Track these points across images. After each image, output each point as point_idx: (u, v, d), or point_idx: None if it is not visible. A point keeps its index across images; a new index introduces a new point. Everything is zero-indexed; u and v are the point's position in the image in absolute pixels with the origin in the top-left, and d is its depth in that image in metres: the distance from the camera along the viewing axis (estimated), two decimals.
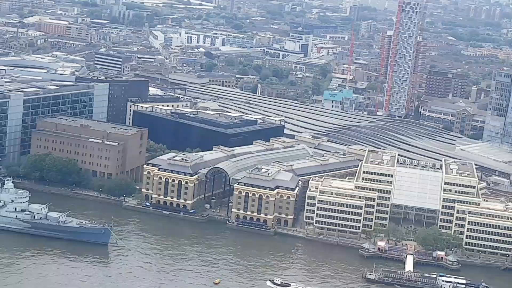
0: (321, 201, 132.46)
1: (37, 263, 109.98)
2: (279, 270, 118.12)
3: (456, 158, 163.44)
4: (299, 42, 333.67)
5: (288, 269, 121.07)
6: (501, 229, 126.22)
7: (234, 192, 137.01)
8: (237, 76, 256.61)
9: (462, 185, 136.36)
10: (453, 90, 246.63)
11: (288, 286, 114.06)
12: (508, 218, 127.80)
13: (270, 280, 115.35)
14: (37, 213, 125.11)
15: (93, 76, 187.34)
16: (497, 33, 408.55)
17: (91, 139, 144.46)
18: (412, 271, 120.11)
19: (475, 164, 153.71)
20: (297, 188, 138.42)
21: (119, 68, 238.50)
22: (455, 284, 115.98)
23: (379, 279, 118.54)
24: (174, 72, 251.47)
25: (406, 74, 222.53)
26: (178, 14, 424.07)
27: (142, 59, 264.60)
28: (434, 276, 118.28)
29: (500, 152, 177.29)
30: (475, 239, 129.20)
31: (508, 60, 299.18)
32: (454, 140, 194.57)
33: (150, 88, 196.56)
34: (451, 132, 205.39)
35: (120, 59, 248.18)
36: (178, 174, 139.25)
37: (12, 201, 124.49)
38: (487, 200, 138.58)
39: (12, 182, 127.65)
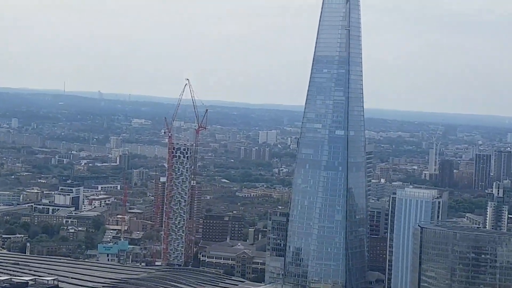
0: None
1: None
2: None
3: None
4: (69, 195, 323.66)
5: None
6: None
7: None
8: (3, 236, 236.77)
9: None
10: (230, 233, 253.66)
11: None
12: None
13: None
14: None
15: None
16: (269, 172, 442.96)
17: None
18: None
19: None
20: None
21: None
22: None
23: None
24: None
25: (182, 220, 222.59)
26: None
27: None
28: None
29: None
30: None
31: (282, 199, 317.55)
32: (237, 285, 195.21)
33: None
34: (232, 277, 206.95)
35: None
36: None
37: None
38: None
39: None
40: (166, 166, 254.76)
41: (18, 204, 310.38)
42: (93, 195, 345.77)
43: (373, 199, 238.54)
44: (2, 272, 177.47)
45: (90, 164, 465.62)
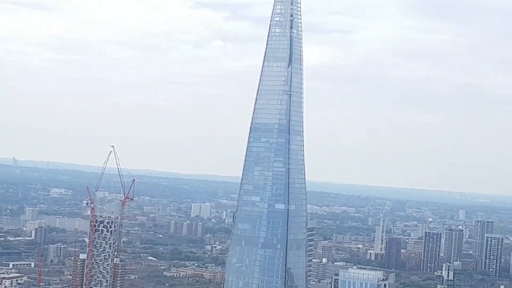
0: None
1: None
2: None
3: None
4: None
5: None
6: None
7: None
8: None
9: None
10: None
11: None
12: None
13: None
14: None
15: None
16: (201, 250, 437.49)
17: None
18: None
19: None
20: None
21: None
22: None
23: None
24: None
25: None
26: None
27: None
28: None
29: None
30: None
31: (215, 280, 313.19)
32: None
33: None
34: None
35: None
36: None
37: None
38: None
39: None
40: (87, 241, 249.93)
41: None
42: (4, 273, 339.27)
43: (313, 281, 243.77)
44: None
45: (1, 238, 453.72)
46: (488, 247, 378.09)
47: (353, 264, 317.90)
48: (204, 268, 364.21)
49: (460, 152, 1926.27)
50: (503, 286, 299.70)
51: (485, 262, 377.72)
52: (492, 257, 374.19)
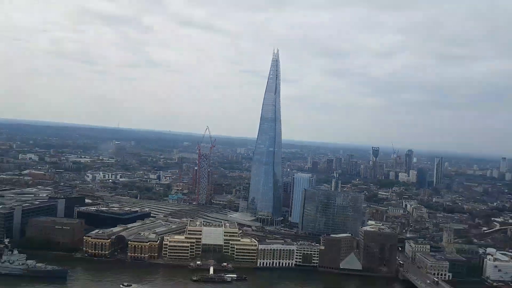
0: (169, 245, 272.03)
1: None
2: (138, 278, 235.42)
3: (228, 220, 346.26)
4: (156, 174, 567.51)
5: (150, 277, 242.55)
6: (248, 250, 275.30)
7: (128, 245, 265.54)
8: (128, 191, 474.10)
9: (231, 233, 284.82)
10: (226, 190, 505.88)
11: (130, 286, 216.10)
12: (252, 245, 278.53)
13: (122, 284, 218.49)
14: (30, 264, 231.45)
15: (57, 196, 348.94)
16: (242, 166, 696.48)
17: (57, 227, 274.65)
18: (213, 273, 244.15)
19: (237, 222, 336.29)
20: (158, 240, 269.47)
21: (70, 192, 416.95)
22: (232, 277, 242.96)
23: (198, 279, 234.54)
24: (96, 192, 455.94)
25: (205, 186, 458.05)
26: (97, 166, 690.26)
27: (80, 186, 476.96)
28: (223, 275, 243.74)
29: (246, 216, 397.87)
30: (239, 256, 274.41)
31: (248, 177, 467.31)
32: (227, 212, 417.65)
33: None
34: (226, 209, 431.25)
35: (70, 188, 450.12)
36: (100, 239, 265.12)
37: (18, 259, 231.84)
38: (242, 238, 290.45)
39: (17, 251, 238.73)
40: (197, 162, 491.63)
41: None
42: (168, 174, 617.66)
43: (285, 177, 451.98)
44: (128, 207, 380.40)
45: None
46: None
47: (298, 171, 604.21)
48: (244, 172, 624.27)
49: None
50: None
51: None
52: None
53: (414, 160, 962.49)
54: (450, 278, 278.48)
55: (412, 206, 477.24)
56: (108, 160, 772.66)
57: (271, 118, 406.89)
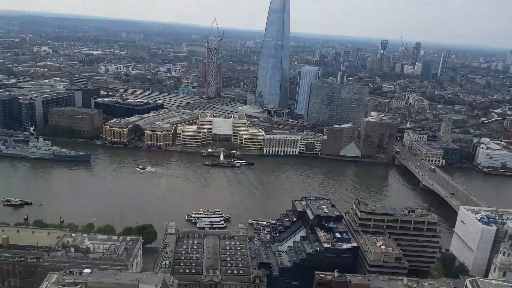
0: (182, 134, 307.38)
1: (61, 170, 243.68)
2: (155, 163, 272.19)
3: (237, 112, 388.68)
4: (166, 67, 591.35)
5: (165, 162, 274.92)
6: (256, 140, 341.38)
7: (145, 134, 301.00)
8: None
9: (240, 123, 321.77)
10: (234, 84, 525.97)
11: (145, 169, 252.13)
12: (259, 135, 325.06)
13: (138, 167, 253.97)
14: (55, 150, 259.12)
15: (74, 88, 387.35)
16: (250, 59, 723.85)
17: (77, 116, 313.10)
18: (223, 159, 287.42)
19: (245, 114, 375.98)
20: (172, 130, 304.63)
21: (85, 83, 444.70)
22: (241, 163, 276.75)
23: (210, 164, 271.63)
24: (110, 84, 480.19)
25: (214, 79, 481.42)
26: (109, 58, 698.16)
27: (94, 78, 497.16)
28: (233, 160, 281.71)
29: (254, 108, 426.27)
30: (247, 145, 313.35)
31: (255, 70, 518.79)
32: (236, 104, 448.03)
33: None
34: (235, 102, 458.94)
35: (85, 79, 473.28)
36: (118, 127, 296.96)
37: (44, 145, 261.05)
38: (250, 129, 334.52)
39: (42, 138, 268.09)
40: (206, 55, 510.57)
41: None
42: (177, 67, 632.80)
43: (292, 70, 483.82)
44: (142, 98, 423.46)
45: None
46: None
47: (305, 64, 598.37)
48: (251, 66, 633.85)
49: None
50: None
51: None
52: None
53: (422, 53, 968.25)
54: (444, 164, 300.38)
55: (414, 98, 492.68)
56: (119, 52, 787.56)
57: (279, 9, 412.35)
